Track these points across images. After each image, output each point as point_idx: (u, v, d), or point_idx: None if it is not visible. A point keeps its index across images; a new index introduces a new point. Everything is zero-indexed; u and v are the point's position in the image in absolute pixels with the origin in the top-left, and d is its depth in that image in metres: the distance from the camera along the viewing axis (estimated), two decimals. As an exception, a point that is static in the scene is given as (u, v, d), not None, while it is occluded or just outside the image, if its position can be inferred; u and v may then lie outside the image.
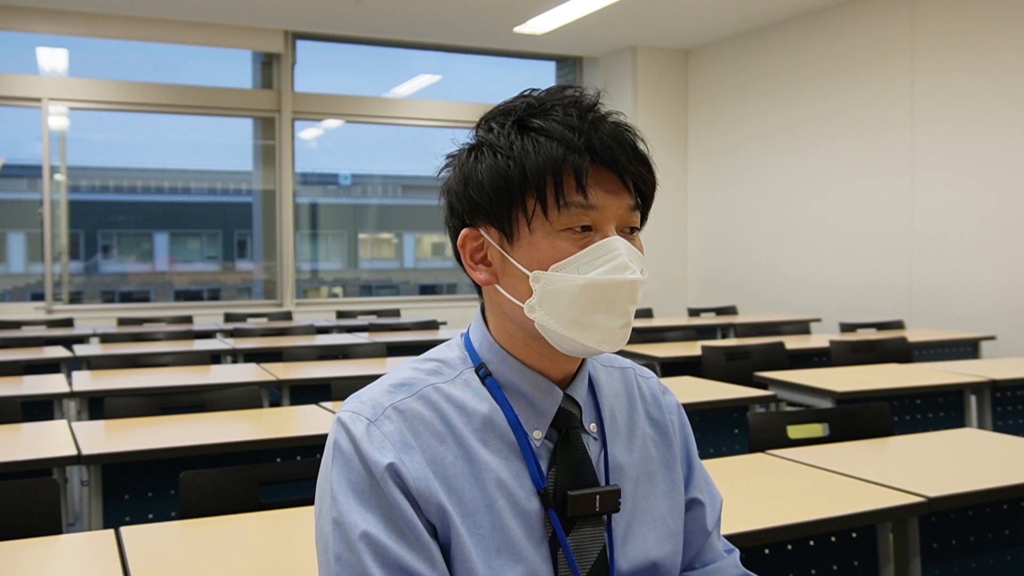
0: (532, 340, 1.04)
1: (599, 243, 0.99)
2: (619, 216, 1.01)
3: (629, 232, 1.03)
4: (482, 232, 1.04)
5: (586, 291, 0.98)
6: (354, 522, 0.96)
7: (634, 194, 1.03)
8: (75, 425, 2.63)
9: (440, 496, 0.98)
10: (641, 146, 1.03)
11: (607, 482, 1.07)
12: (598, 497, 1.03)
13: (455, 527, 0.98)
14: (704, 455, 1.22)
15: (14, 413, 2.76)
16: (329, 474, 1.00)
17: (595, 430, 1.09)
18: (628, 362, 1.21)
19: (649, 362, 4.21)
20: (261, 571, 1.56)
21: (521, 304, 1.01)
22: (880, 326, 5.58)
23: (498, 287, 1.04)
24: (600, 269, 0.98)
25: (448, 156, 1.08)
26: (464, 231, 1.05)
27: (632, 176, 1.01)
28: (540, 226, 1.00)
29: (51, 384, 3.47)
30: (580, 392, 1.08)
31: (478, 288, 1.09)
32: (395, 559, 0.94)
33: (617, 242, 0.99)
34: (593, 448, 1.08)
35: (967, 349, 5.18)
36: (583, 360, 1.10)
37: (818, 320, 6.44)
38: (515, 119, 1.02)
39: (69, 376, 3.66)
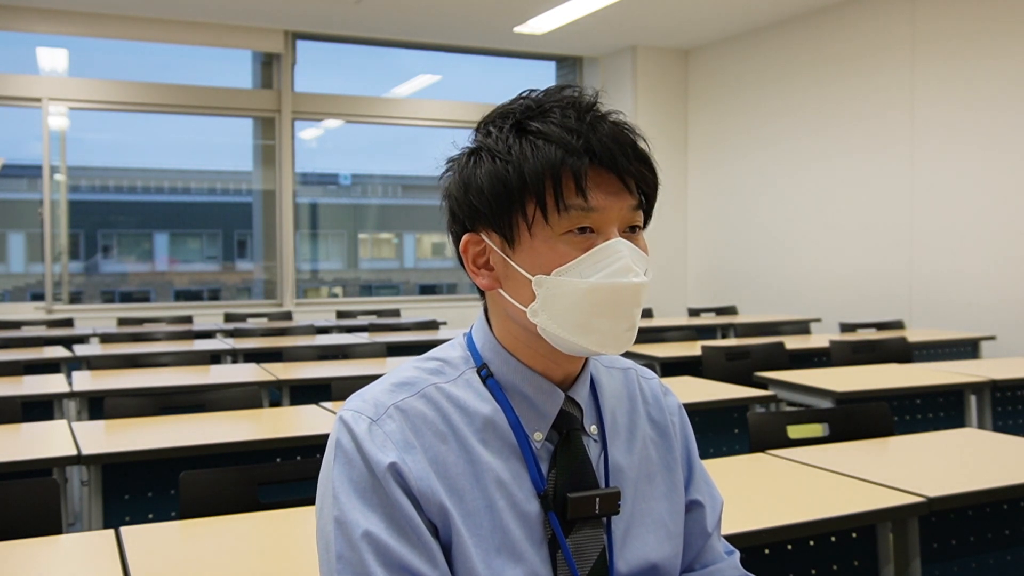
0: (535, 342, 1.03)
1: (601, 246, 0.98)
2: (621, 217, 1.00)
3: (632, 231, 1.02)
4: (484, 237, 1.04)
5: (589, 295, 0.97)
6: (356, 521, 0.96)
7: (636, 194, 1.01)
8: (75, 425, 2.63)
9: (441, 496, 0.98)
10: (642, 145, 1.02)
11: (607, 484, 1.07)
12: (598, 499, 1.03)
13: (456, 527, 0.98)
14: (704, 455, 1.22)
15: (14, 413, 2.76)
16: (331, 473, 0.99)
17: (595, 432, 1.09)
18: (630, 363, 1.20)
19: (649, 362, 4.21)
20: (261, 571, 1.56)
21: (524, 308, 1.01)
22: (880, 326, 5.58)
23: (501, 291, 1.04)
24: (602, 273, 0.97)
25: (448, 160, 1.07)
26: (466, 236, 1.05)
27: (633, 176, 1.00)
28: (541, 230, 0.99)
29: (51, 384, 3.47)
30: (582, 394, 1.08)
31: (480, 291, 1.09)
32: (397, 558, 0.94)
33: (620, 244, 0.99)
34: (593, 450, 1.08)
35: (967, 349, 5.18)
36: (586, 362, 1.09)
37: (818, 320, 6.44)
38: (513, 122, 1.02)
39: (69, 376, 3.66)
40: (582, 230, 0.98)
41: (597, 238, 0.99)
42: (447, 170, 1.07)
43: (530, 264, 1.00)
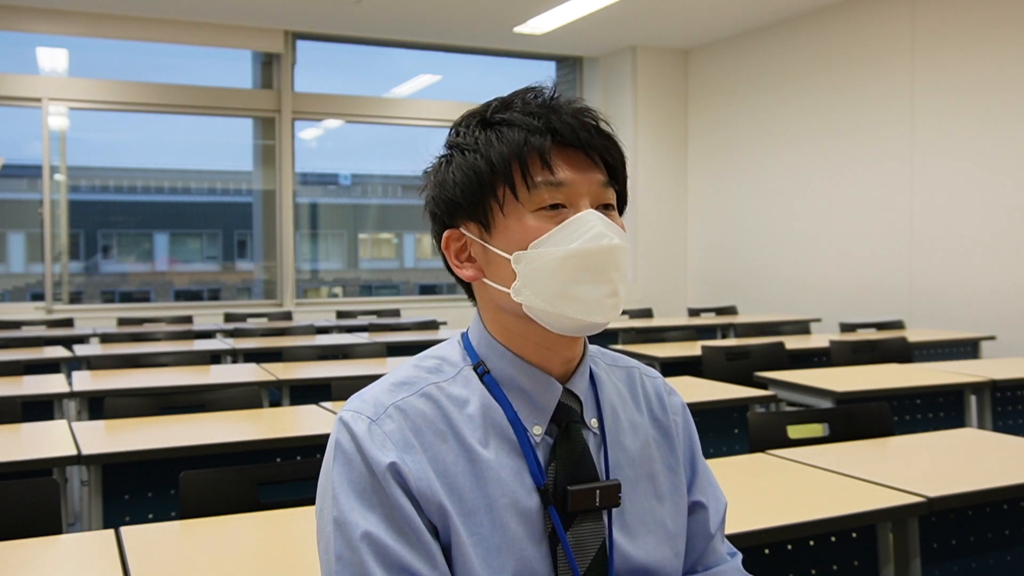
0: (527, 328, 1.04)
1: (573, 218, 1.01)
2: (592, 192, 1.03)
3: (606, 209, 1.05)
4: (463, 230, 1.06)
5: (566, 263, 0.99)
6: (355, 522, 0.96)
7: (604, 170, 1.04)
8: (75, 425, 2.63)
9: (441, 496, 0.98)
10: (604, 125, 1.05)
11: (607, 478, 1.07)
12: (598, 492, 1.03)
13: (455, 527, 0.98)
14: (704, 455, 1.22)
15: (14, 413, 2.76)
16: (331, 473, 1.00)
17: (595, 425, 1.09)
18: (633, 362, 1.20)
19: (649, 362, 4.21)
20: (261, 571, 1.56)
21: (507, 290, 1.02)
22: (880, 326, 5.58)
23: (485, 280, 1.05)
24: (578, 241, 0.99)
25: (424, 173, 1.11)
26: (446, 233, 1.07)
27: (598, 151, 1.03)
28: (513, 210, 1.01)
29: (51, 384, 3.47)
30: (580, 386, 1.08)
31: (469, 292, 1.10)
32: (396, 559, 0.95)
33: (591, 215, 1.01)
34: (593, 444, 1.08)
35: (967, 349, 5.18)
36: (583, 354, 1.10)
37: (818, 320, 6.44)
38: (479, 119, 1.06)
39: (69, 376, 3.66)
40: (554, 207, 1.01)
41: (569, 212, 1.01)
42: (425, 184, 1.10)
43: (507, 244, 1.02)
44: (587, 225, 1.00)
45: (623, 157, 1.07)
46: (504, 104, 1.06)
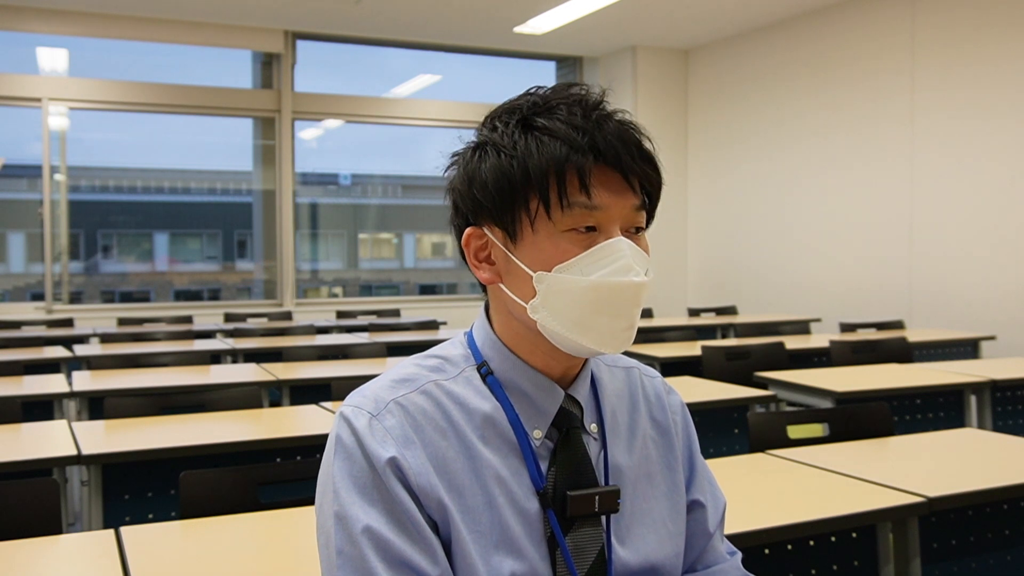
0: (536, 339, 1.03)
1: (603, 244, 0.98)
2: (624, 216, 1.00)
3: (635, 232, 1.03)
4: (486, 231, 1.04)
5: (589, 293, 0.97)
6: (356, 516, 0.96)
7: (639, 194, 1.02)
8: (75, 425, 2.63)
9: (440, 492, 0.98)
10: (647, 145, 1.02)
11: (606, 483, 1.07)
12: (597, 498, 1.03)
13: (455, 523, 0.98)
14: (704, 455, 1.22)
15: (14, 413, 2.76)
16: (331, 468, 0.99)
17: (596, 430, 1.09)
18: (633, 362, 1.20)
19: (649, 362, 4.21)
20: (261, 571, 1.56)
21: (525, 304, 1.01)
22: (880, 326, 5.58)
23: (502, 286, 1.04)
24: (604, 271, 0.98)
25: (453, 155, 1.07)
26: (468, 230, 1.05)
27: (637, 176, 1.00)
28: (543, 226, 0.99)
29: (51, 384, 3.47)
30: (582, 392, 1.08)
31: (482, 285, 1.09)
32: (397, 553, 0.94)
33: (621, 243, 0.99)
34: (593, 448, 1.08)
35: (967, 349, 5.18)
36: (586, 359, 1.09)
37: (818, 320, 6.44)
38: (519, 118, 1.02)
39: (69, 376, 3.66)
40: (585, 228, 0.99)
41: (599, 236, 0.99)
42: (451, 164, 1.07)
43: (531, 259, 1.00)
44: (617, 254, 0.98)
45: (660, 183, 1.04)
46: (546, 105, 1.01)
